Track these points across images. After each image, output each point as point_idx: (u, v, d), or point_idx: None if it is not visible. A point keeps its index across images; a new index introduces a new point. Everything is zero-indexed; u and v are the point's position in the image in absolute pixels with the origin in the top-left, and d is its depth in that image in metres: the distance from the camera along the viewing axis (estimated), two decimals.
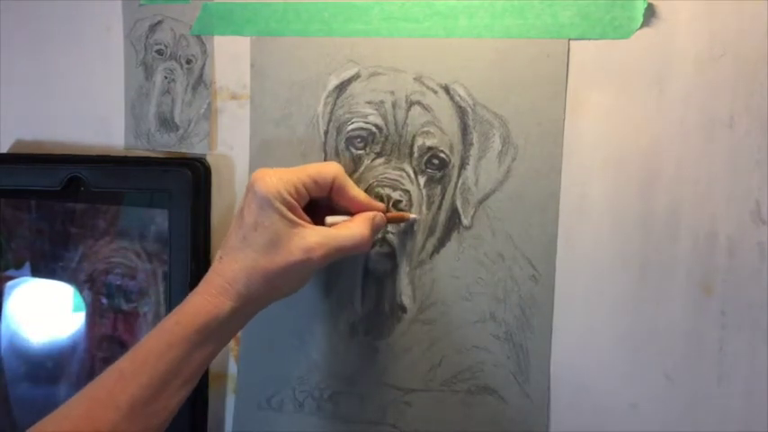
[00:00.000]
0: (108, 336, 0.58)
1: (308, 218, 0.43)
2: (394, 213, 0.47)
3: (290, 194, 0.42)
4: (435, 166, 0.48)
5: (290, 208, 0.42)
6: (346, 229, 0.44)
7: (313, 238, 0.42)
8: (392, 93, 0.48)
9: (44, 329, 0.60)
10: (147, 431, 0.39)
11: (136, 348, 0.40)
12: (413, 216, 0.48)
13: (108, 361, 0.57)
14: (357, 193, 0.45)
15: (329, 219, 0.45)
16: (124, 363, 0.40)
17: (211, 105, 0.54)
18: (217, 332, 0.41)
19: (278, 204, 0.41)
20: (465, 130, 0.47)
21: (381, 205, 0.47)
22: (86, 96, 0.58)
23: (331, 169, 0.44)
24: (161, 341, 0.40)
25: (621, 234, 0.45)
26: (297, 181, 0.43)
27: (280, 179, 0.42)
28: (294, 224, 0.42)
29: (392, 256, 0.49)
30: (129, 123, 0.57)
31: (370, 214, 0.45)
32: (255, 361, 0.53)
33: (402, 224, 0.48)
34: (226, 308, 0.41)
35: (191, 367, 0.40)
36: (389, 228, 0.49)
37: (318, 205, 0.45)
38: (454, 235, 0.48)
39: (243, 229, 0.42)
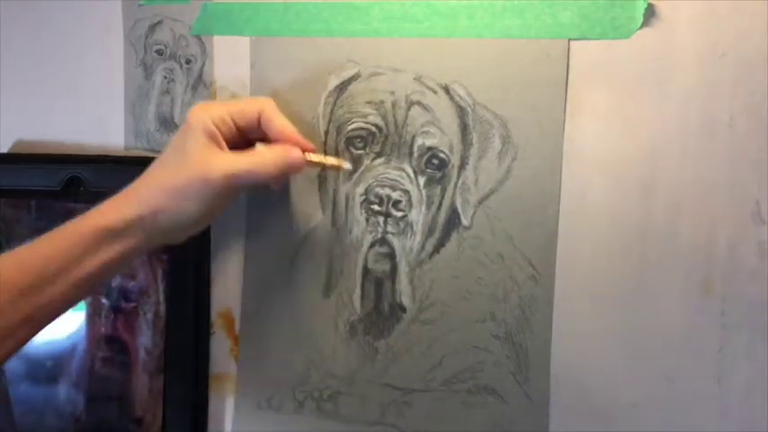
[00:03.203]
0: (108, 336, 0.58)
1: (226, 148, 0.44)
2: (320, 157, 0.47)
3: (215, 123, 0.43)
4: (435, 166, 0.48)
5: (210, 135, 0.43)
6: (255, 155, 0.44)
7: (217, 159, 0.43)
8: (392, 93, 0.48)
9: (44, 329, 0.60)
10: (28, 321, 0.41)
11: (37, 241, 0.42)
12: (346, 166, 0.48)
13: (108, 361, 0.57)
14: (284, 125, 0.45)
15: (258, 145, 0.45)
16: (22, 252, 0.41)
17: None
18: (116, 238, 0.42)
19: (198, 130, 0.43)
20: (465, 130, 0.47)
21: (309, 145, 0.46)
22: (86, 96, 0.58)
23: (259, 102, 0.46)
24: (59, 236, 0.42)
25: (621, 234, 0.45)
26: (224, 112, 0.44)
27: (207, 110, 0.44)
28: (206, 148, 0.43)
29: (392, 256, 0.49)
30: (128, 123, 0.57)
31: (287, 147, 0.45)
32: (255, 361, 0.53)
33: (337, 170, 0.49)
34: (128, 213, 0.42)
35: (83, 268, 0.41)
36: (389, 228, 0.49)
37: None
38: (454, 235, 0.48)
39: (164, 152, 0.44)
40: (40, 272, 0.40)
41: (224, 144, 0.44)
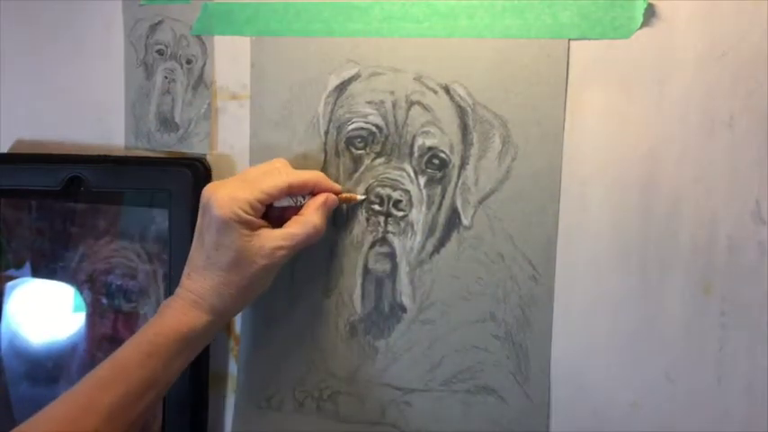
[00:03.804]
0: (108, 336, 0.58)
1: (264, 222, 0.45)
2: (345, 195, 0.48)
3: (247, 212, 0.43)
4: (435, 166, 0.48)
5: (248, 225, 0.43)
6: (300, 226, 0.45)
7: (272, 243, 0.44)
8: (392, 93, 0.48)
9: (44, 329, 0.60)
10: None
11: (114, 357, 0.42)
12: (360, 197, 0.49)
13: None
14: (315, 179, 0.46)
15: (276, 202, 0.46)
16: (103, 371, 0.42)
17: (211, 105, 0.54)
18: (193, 343, 0.44)
19: (235, 225, 0.43)
20: (465, 130, 0.47)
21: (337, 186, 0.48)
22: (86, 96, 0.58)
23: (283, 180, 0.45)
24: (140, 351, 0.42)
25: (621, 234, 0.45)
26: (252, 198, 0.43)
27: (234, 198, 0.43)
28: (252, 237, 0.43)
29: (392, 256, 0.49)
30: (129, 123, 0.57)
31: (320, 199, 0.46)
32: (255, 361, 0.53)
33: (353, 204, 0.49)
34: (203, 321, 0.43)
35: (166, 376, 0.43)
36: (389, 228, 0.49)
37: None
38: (454, 235, 0.48)
39: (205, 250, 0.44)
40: (129, 389, 0.41)
41: (261, 222, 0.44)
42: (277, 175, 0.45)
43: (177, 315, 0.43)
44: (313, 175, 0.47)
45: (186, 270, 0.45)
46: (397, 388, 0.50)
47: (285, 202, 0.46)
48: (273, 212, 0.46)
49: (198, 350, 0.45)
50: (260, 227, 0.44)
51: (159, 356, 0.42)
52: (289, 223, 0.45)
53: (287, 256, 0.44)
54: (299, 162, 0.51)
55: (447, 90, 0.47)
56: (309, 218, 0.45)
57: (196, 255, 0.44)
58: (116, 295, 0.58)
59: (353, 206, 0.49)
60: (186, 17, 0.54)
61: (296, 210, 0.46)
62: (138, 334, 0.43)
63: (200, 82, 0.54)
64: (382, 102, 0.48)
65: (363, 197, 0.49)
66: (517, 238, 0.47)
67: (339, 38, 0.49)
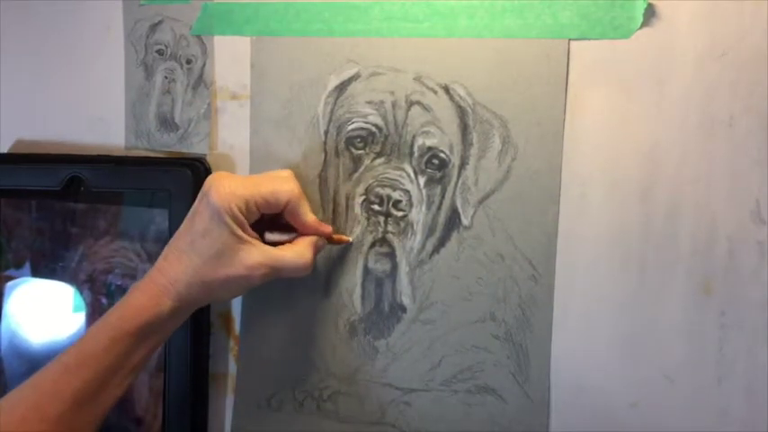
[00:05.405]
0: None
1: (254, 234, 0.44)
2: (337, 237, 0.49)
3: (241, 211, 0.43)
4: (435, 166, 0.48)
5: (239, 224, 0.43)
6: (290, 252, 0.45)
7: (257, 257, 0.43)
8: (392, 93, 0.48)
9: (44, 329, 0.60)
10: (91, 420, 0.41)
11: (80, 342, 0.42)
12: (350, 239, 0.49)
13: None
14: (308, 217, 0.46)
15: (268, 236, 0.46)
16: (68, 356, 0.41)
17: (211, 105, 0.54)
18: (158, 328, 0.43)
19: (228, 219, 0.42)
20: (465, 130, 0.47)
21: (328, 229, 0.47)
22: (86, 96, 0.58)
23: (285, 191, 0.45)
24: (104, 336, 0.42)
25: (621, 234, 0.45)
26: (250, 198, 0.43)
27: (233, 193, 0.43)
28: (241, 240, 0.43)
29: (392, 256, 0.49)
30: (129, 123, 0.57)
31: (313, 238, 0.46)
32: (255, 361, 0.53)
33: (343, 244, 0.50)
34: (166, 307, 0.43)
35: (132, 361, 0.42)
36: (389, 228, 0.49)
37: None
38: (454, 235, 0.48)
39: (192, 234, 0.43)
40: (95, 375, 0.41)
41: (251, 231, 0.44)
42: (282, 188, 0.45)
43: (142, 300, 0.43)
44: (312, 217, 0.46)
45: (165, 251, 0.45)
46: (397, 388, 0.50)
47: (278, 238, 0.46)
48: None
49: (166, 335, 0.45)
50: (251, 236, 0.44)
51: (123, 342, 0.41)
52: (281, 247, 0.45)
53: (266, 276, 0.44)
54: (299, 162, 0.51)
55: (447, 90, 0.47)
56: (303, 250, 0.45)
57: (181, 237, 0.44)
58: (116, 295, 0.58)
59: (352, 207, 0.49)
60: (186, 17, 0.54)
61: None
62: (104, 318, 0.43)
63: (200, 82, 0.54)
64: (382, 102, 0.48)
65: (351, 240, 0.49)
66: (517, 239, 0.47)
67: (339, 38, 0.50)
